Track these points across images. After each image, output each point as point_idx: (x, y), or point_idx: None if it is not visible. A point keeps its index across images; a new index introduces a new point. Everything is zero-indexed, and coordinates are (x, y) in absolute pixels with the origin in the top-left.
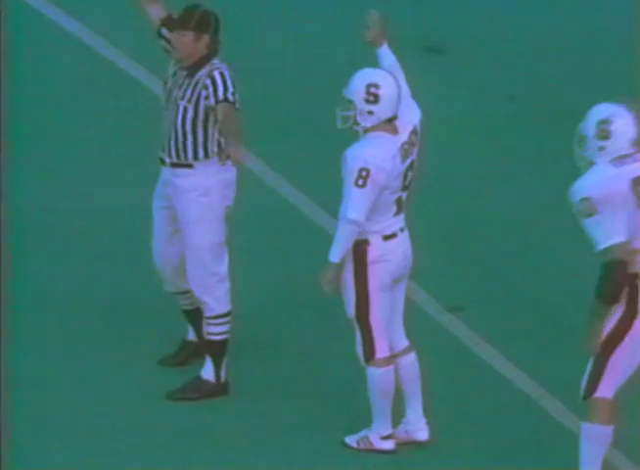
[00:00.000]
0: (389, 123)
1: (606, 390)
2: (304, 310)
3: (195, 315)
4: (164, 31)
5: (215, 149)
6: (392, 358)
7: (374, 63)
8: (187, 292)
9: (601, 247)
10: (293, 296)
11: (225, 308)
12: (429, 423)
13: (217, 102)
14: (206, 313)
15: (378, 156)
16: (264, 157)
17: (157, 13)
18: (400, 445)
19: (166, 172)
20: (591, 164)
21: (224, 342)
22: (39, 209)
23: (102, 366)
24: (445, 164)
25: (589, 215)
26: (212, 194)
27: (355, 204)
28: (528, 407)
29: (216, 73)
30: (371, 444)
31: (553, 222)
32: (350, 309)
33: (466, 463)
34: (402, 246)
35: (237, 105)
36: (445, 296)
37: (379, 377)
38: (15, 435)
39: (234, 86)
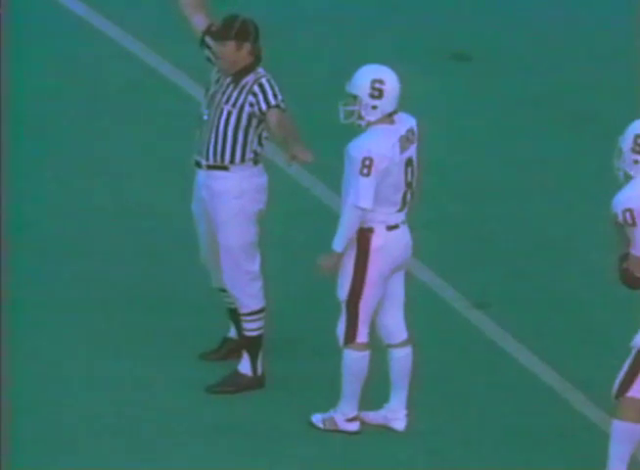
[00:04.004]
0: (390, 117)
1: (638, 390)
2: (337, 307)
3: (238, 314)
4: (208, 40)
5: (251, 154)
6: (369, 345)
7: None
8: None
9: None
10: (326, 293)
11: (259, 305)
12: (458, 415)
13: (269, 107)
14: (241, 310)
15: (379, 144)
16: None
17: (200, 22)
18: (379, 427)
19: (202, 175)
20: (627, 176)
21: (259, 337)
22: (86, 209)
23: (145, 359)
24: (473, 166)
25: (632, 225)
26: (245, 197)
27: (362, 192)
28: (552, 400)
29: (264, 81)
30: (336, 424)
31: (576, 222)
32: (343, 293)
33: (492, 453)
34: (404, 237)
35: (286, 111)
36: (473, 293)
37: (355, 361)
38: (54, 424)
39: (281, 93)
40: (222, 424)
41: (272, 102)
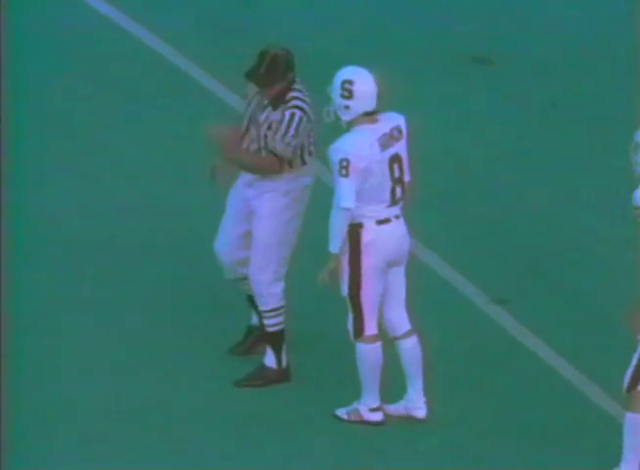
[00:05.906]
0: (370, 117)
1: None
2: None
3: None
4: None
5: (299, 161)
6: (379, 337)
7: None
8: (247, 277)
9: None
10: None
11: (279, 304)
12: (477, 408)
13: (275, 152)
14: (262, 307)
15: (355, 145)
16: (321, 158)
17: None
18: (401, 419)
19: (248, 176)
20: None
21: (281, 331)
22: (116, 208)
23: (173, 355)
24: (493, 165)
25: None
26: (291, 195)
27: (343, 192)
28: (570, 393)
29: (287, 114)
30: (360, 416)
31: (594, 220)
32: (344, 288)
33: (512, 444)
34: (397, 231)
35: (290, 152)
36: (493, 289)
37: (367, 353)
38: (82, 420)
39: (296, 129)
40: (250, 417)
41: (278, 147)
